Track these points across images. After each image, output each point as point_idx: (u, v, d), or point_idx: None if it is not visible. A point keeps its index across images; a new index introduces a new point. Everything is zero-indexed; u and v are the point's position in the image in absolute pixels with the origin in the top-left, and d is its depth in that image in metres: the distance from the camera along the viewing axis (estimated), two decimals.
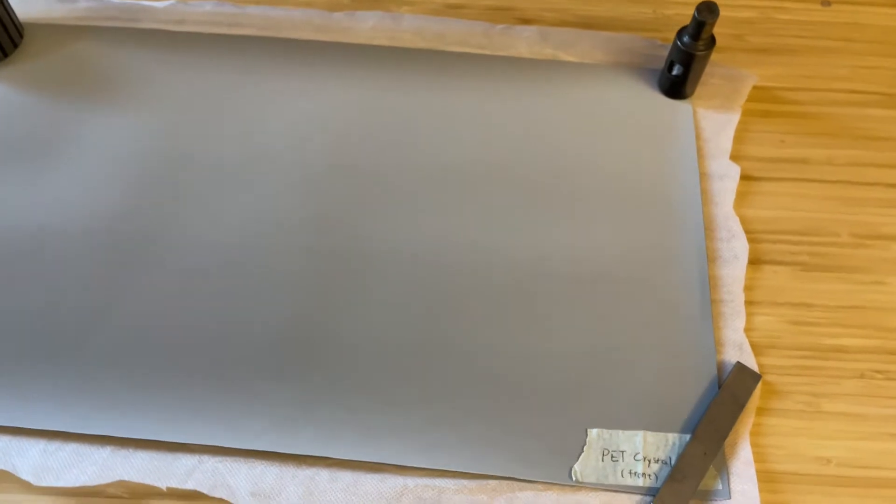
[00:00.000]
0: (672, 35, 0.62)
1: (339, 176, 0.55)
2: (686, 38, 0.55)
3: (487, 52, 0.61)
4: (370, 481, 0.44)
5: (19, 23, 0.59)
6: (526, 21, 0.63)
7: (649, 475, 0.45)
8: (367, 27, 0.61)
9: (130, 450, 0.45)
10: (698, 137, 0.57)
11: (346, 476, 0.44)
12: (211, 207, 0.53)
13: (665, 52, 0.60)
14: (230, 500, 0.43)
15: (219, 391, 0.46)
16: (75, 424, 0.45)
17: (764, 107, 0.59)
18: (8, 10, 0.57)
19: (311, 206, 0.53)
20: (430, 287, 0.50)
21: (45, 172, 0.54)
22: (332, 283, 0.50)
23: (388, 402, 0.46)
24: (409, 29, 0.61)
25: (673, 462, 0.45)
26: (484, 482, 0.44)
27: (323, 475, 0.44)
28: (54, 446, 0.45)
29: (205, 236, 0.52)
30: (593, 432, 0.46)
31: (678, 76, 0.57)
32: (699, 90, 0.59)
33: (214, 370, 0.47)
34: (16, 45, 0.59)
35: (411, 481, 0.44)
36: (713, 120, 0.58)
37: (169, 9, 0.61)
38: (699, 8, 0.53)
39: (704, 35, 0.54)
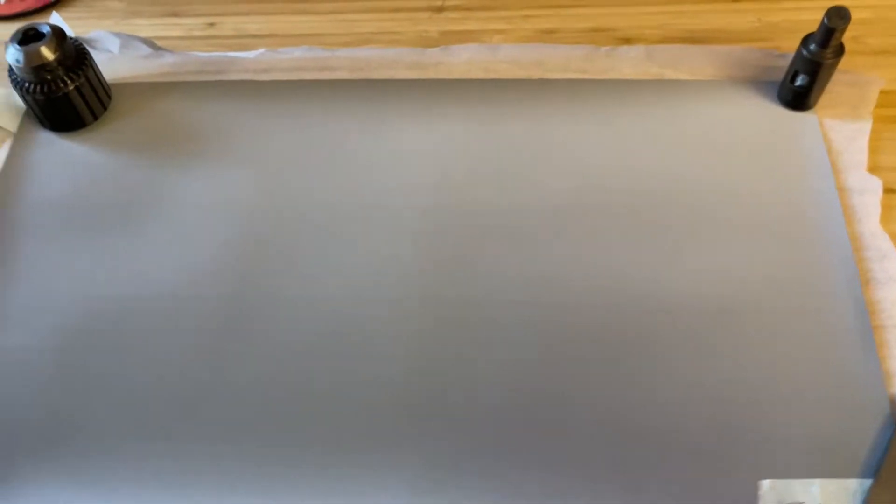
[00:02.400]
0: (782, 43, 0.59)
1: (449, 219, 0.51)
2: (813, 46, 0.51)
3: (589, 76, 0.58)
4: None
5: (107, 85, 0.58)
6: (626, 41, 0.60)
7: None
8: (461, 61, 0.58)
9: None
10: (828, 150, 0.53)
11: None
12: (314, 263, 0.50)
13: (782, 62, 0.56)
14: None
15: (338, 462, 0.43)
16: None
17: (895, 112, 0.55)
18: (98, 74, 0.56)
19: (422, 254, 0.50)
20: (552, 333, 0.47)
21: (138, 237, 0.52)
22: (451, 335, 0.47)
23: (518, 462, 0.43)
24: (505, 59, 0.58)
25: None
26: None
27: None
28: None
29: (309, 295, 0.49)
30: (765, 484, 0.42)
31: (803, 86, 0.53)
32: (822, 99, 0.55)
33: (332, 439, 0.44)
34: (105, 108, 0.57)
35: None
36: (842, 130, 0.54)
37: (258, 58, 0.59)
38: (829, 14, 0.49)
39: (834, 42, 0.50)
